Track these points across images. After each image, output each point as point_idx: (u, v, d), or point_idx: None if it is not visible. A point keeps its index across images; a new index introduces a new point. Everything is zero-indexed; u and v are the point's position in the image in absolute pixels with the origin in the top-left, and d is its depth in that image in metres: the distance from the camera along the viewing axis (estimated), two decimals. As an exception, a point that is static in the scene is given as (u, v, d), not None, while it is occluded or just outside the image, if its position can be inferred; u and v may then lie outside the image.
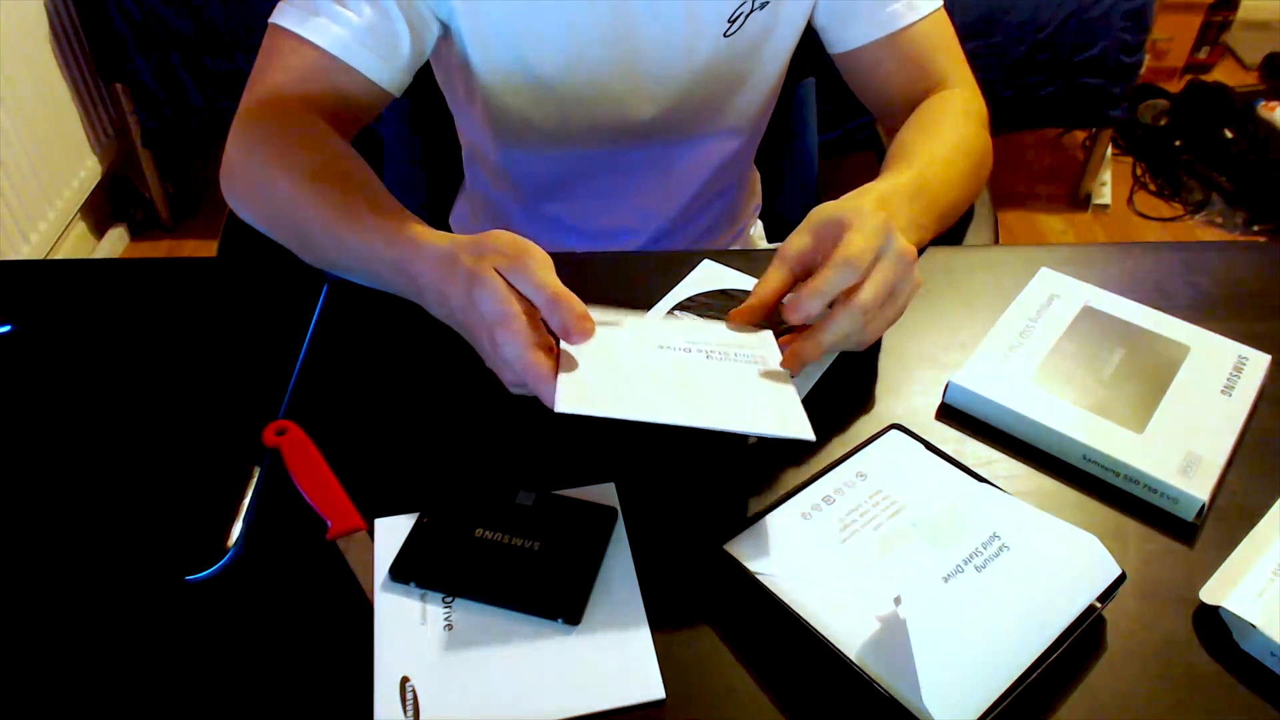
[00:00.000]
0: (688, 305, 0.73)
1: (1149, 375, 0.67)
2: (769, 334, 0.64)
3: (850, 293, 0.60)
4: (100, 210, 2.10)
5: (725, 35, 0.84)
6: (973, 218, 0.98)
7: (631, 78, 0.85)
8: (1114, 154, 2.39)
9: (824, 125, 1.17)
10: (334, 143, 0.73)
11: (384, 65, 0.77)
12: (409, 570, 0.55)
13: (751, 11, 0.83)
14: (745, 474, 0.62)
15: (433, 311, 0.63)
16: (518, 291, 0.57)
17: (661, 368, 0.59)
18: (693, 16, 0.82)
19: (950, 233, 0.97)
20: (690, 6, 0.81)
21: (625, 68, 0.84)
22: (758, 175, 1.11)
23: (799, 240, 0.64)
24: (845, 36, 0.87)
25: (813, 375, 0.67)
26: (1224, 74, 2.71)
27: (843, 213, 0.63)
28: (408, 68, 0.80)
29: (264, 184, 0.73)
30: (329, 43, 0.75)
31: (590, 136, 0.90)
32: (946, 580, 0.49)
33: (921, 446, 0.61)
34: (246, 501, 0.59)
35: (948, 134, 0.80)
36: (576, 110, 0.87)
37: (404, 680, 0.50)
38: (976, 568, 0.50)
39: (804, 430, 0.56)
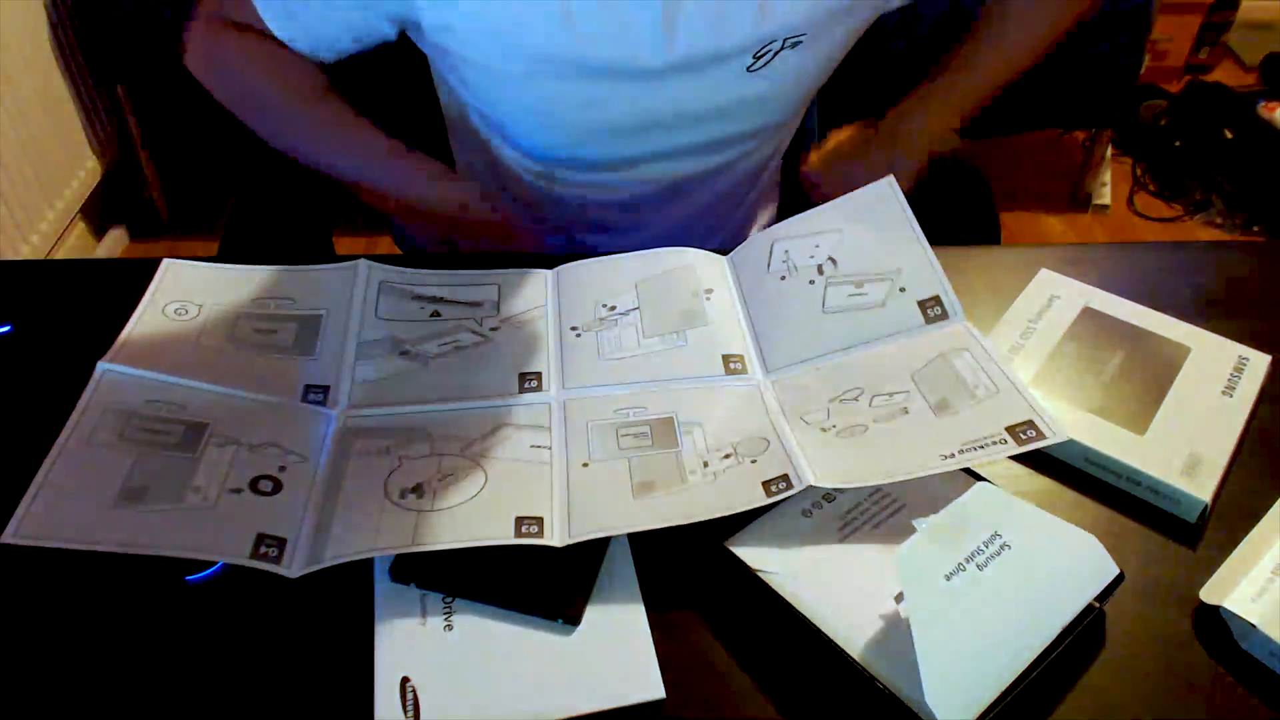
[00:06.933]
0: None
1: (1150, 376, 0.67)
2: None
3: None
4: (100, 210, 2.10)
5: (749, 70, 0.79)
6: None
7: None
8: (1114, 154, 2.38)
9: (824, 127, 1.16)
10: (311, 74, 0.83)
11: (325, 55, 0.83)
12: (409, 570, 0.55)
13: (780, 50, 0.78)
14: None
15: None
16: None
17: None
18: (719, 52, 0.77)
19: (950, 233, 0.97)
20: (717, 42, 0.77)
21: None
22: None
23: None
24: None
25: None
26: (1224, 74, 2.70)
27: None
28: (348, 53, 0.84)
29: (243, 82, 0.84)
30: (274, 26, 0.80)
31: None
32: (948, 578, 0.49)
33: (922, 446, 0.61)
34: (246, 501, 0.58)
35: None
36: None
37: (404, 680, 0.50)
38: (978, 566, 0.50)
39: None
